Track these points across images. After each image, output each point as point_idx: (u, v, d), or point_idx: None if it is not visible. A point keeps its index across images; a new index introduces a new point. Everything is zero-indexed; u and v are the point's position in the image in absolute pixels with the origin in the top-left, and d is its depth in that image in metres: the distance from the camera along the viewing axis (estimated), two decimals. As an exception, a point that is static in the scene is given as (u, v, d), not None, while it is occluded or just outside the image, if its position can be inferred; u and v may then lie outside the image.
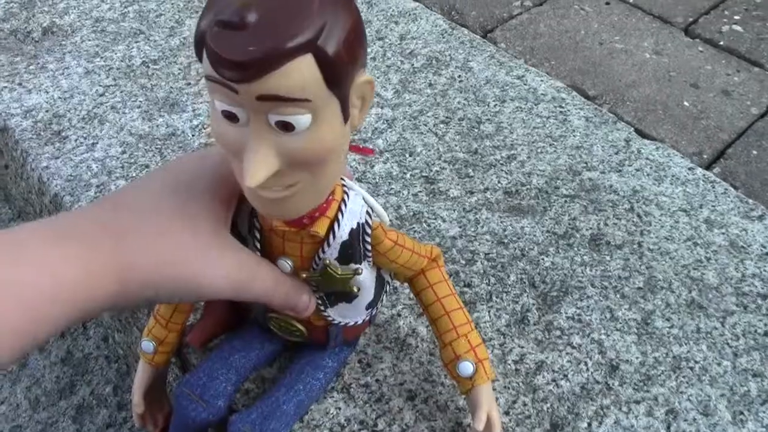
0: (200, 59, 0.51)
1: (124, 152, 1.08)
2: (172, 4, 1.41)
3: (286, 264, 0.66)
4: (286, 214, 0.61)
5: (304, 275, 0.67)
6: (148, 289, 0.57)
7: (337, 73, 0.51)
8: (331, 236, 0.64)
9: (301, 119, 0.51)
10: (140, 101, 1.17)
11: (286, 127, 0.51)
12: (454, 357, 0.73)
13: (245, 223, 0.65)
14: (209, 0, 0.52)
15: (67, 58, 1.26)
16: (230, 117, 0.52)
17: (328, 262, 0.65)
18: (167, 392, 0.87)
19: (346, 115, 0.54)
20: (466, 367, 0.72)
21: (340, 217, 0.64)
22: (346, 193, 0.65)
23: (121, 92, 1.19)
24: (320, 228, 0.63)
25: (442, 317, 0.73)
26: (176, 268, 0.57)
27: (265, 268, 0.64)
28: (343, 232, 0.64)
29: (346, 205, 0.64)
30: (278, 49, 0.48)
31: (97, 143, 1.10)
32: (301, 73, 0.49)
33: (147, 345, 0.79)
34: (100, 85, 1.20)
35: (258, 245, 0.65)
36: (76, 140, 1.10)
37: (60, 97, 1.18)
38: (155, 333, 0.79)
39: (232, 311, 0.81)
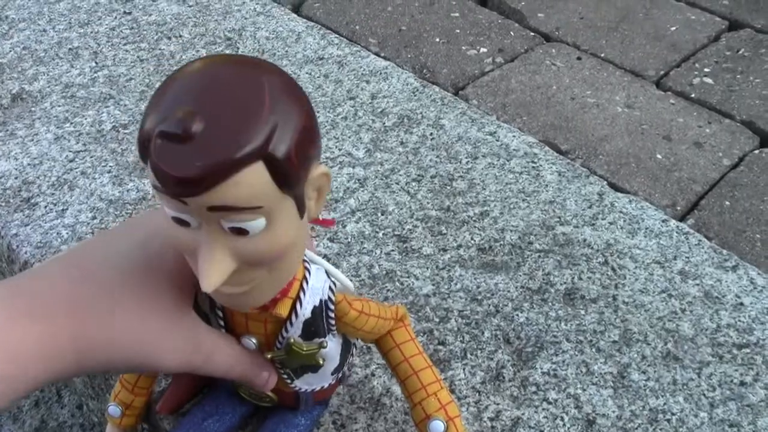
0: (145, 164, 0.50)
1: (94, 218, 1.07)
2: (142, 68, 1.41)
3: (251, 342, 0.65)
4: (245, 306, 0.61)
5: (269, 355, 0.66)
6: (104, 364, 0.57)
7: (290, 176, 0.50)
8: (293, 316, 0.63)
9: (255, 224, 0.50)
10: (110, 166, 1.17)
11: (240, 232, 0.50)
12: (425, 416, 0.72)
13: (206, 300, 0.65)
14: (154, 95, 0.50)
15: (36, 125, 1.26)
16: (181, 222, 0.51)
17: (292, 340, 0.65)
18: None
19: (301, 210, 0.54)
20: (437, 426, 0.71)
21: (302, 295, 0.63)
22: (308, 269, 0.64)
23: (92, 157, 1.18)
24: (282, 310, 0.62)
25: (411, 377, 0.72)
26: (132, 346, 0.57)
27: (224, 347, 0.64)
28: (305, 311, 0.64)
29: (308, 283, 0.63)
30: (226, 161, 0.47)
31: (67, 209, 1.09)
32: (251, 182, 0.48)
33: (114, 410, 0.78)
34: (70, 151, 1.20)
35: (221, 323, 0.65)
36: (45, 207, 1.10)
37: (29, 164, 1.17)
38: (122, 398, 0.78)
39: (201, 376, 0.80)
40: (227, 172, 0.47)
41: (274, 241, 0.52)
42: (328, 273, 0.66)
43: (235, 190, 0.47)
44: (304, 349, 0.66)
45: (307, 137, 0.51)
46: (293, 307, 0.63)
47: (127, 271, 0.59)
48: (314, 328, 0.65)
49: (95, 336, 0.55)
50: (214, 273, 0.51)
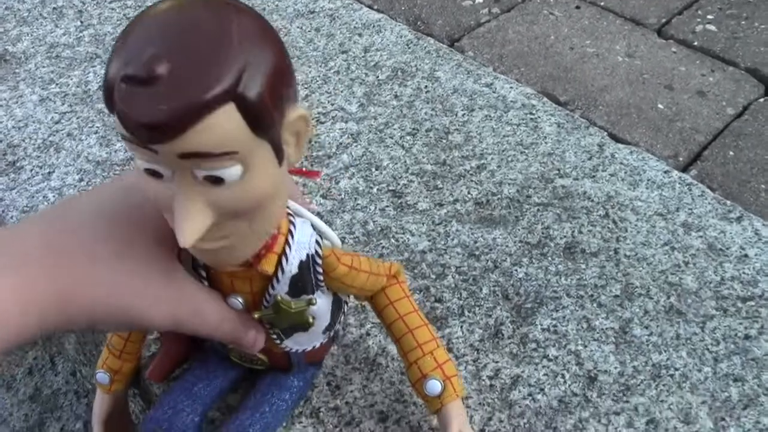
0: (112, 112, 0.47)
1: (81, 180, 1.05)
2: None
3: (237, 302, 0.63)
4: (226, 263, 0.59)
5: (257, 315, 0.64)
6: (87, 318, 0.54)
7: (263, 118, 0.47)
8: (279, 272, 0.61)
9: (230, 171, 0.47)
10: (97, 127, 1.14)
11: (216, 180, 0.48)
12: (421, 376, 0.70)
13: (188, 260, 0.62)
14: (118, 40, 0.47)
15: (21, 86, 1.23)
16: (154, 174, 0.48)
17: (279, 298, 0.62)
18: (129, 416, 0.85)
19: (279, 156, 0.51)
20: (434, 386, 0.69)
21: (287, 250, 0.61)
22: (293, 223, 0.62)
23: (78, 118, 1.16)
24: (268, 266, 0.60)
25: (406, 335, 0.70)
26: (115, 299, 0.55)
27: (210, 303, 0.61)
28: (291, 267, 0.61)
29: (293, 237, 0.61)
30: (194, 103, 0.44)
31: (54, 172, 1.07)
32: (223, 126, 0.45)
33: (102, 377, 0.77)
34: (56, 113, 1.17)
35: (205, 284, 0.62)
36: (31, 170, 1.07)
37: (14, 127, 1.15)
38: (110, 364, 0.76)
39: (190, 341, 0.77)
40: (196, 115, 0.44)
41: (251, 189, 0.49)
42: (313, 226, 0.64)
43: (206, 135, 0.45)
44: (293, 306, 0.63)
45: (280, 77, 0.48)
46: (279, 263, 0.61)
47: (107, 222, 0.56)
48: (302, 284, 0.63)
49: (75, 285, 0.53)
50: (190, 227, 0.48)
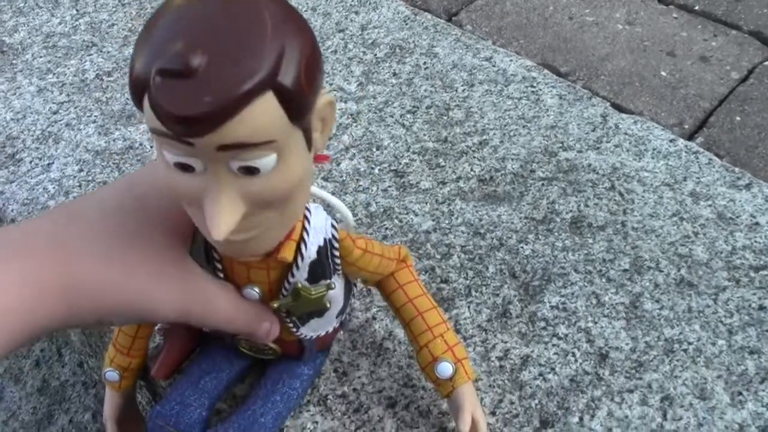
0: (139, 108, 0.46)
1: (81, 170, 1.04)
2: (125, 12, 1.37)
3: (254, 292, 0.62)
4: (252, 253, 0.57)
5: (276, 304, 0.63)
6: (96, 312, 0.54)
7: (301, 105, 0.46)
8: (299, 259, 0.60)
9: (266, 161, 0.46)
10: (95, 116, 1.13)
11: (251, 171, 0.47)
12: (432, 359, 0.69)
13: (201, 253, 0.61)
14: (143, 33, 0.46)
15: (18, 77, 1.22)
16: (185, 168, 0.47)
17: (299, 285, 0.61)
18: (138, 410, 0.84)
19: (309, 143, 0.50)
20: (446, 368, 0.69)
21: (305, 236, 0.60)
22: (307, 208, 0.61)
23: (76, 108, 1.15)
24: (287, 253, 0.59)
25: (415, 318, 0.70)
26: (124, 292, 0.54)
27: (223, 295, 0.60)
28: (310, 252, 0.60)
29: (309, 223, 0.60)
30: (235, 94, 0.43)
31: (53, 163, 1.06)
32: (263, 115, 0.44)
33: (112, 375, 0.76)
34: (54, 103, 1.16)
35: (221, 276, 0.61)
36: (30, 162, 1.06)
37: (12, 119, 1.14)
38: (118, 362, 0.75)
39: (193, 335, 0.76)
40: (238, 106, 0.43)
41: (285, 178, 0.49)
42: (326, 202, 0.63)
43: (246, 125, 0.44)
44: (313, 293, 0.62)
45: (315, 61, 0.47)
46: (298, 250, 0.60)
47: (114, 217, 0.56)
48: (320, 269, 0.62)
49: (83, 277, 0.52)
50: (224, 219, 0.47)
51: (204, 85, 0.42)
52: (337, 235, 0.62)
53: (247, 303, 0.62)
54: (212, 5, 0.45)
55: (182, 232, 0.58)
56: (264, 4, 0.45)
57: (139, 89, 0.45)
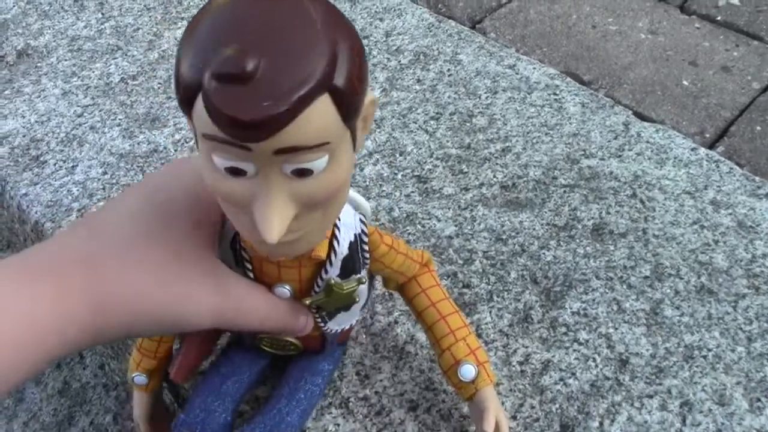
0: (187, 112, 0.46)
1: (105, 173, 1.05)
2: (150, 17, 1.38)
3: (285, 290, 0.62)
4: (295, 253, 0.57)
5: (308, 301, 0.63)
6: (127, 324, 0.53)
7: (353, 105, 0.46)
8: (332, 255, 0.60)
9: (320, 162, 0.47)
10: (120, 119, 1.14)
11: (304, 173, 0.47)
12: (454, 362, 0.70)
13: (229, 254, 0.61)
14: (187, 36, 0.46)
15: (43, 80, 1.23)
16: (235, 172, 0.47)
17: (332, 281, 0.62)
18: (166, 405, 0.86)
19: (355, 142, 0.50)
20: (468, 371, 0.69)
21: (337, 233, 0.60)
22: None
23: (100, 111, 1.16)
24: (322, 251, 0.59)
25: (438, 322, 0.70)
26: (155, 300, 0.53)
27: (256, 296, 0.60)
28: (342, 248, 0.61)
29: (340, 220, 0.61)
30: (294, 98, 0.43)
31: (77, 166, 1.07)
32: (321, 117, 0.44)
33: (140, 378, 0.77)
34: (78, 106, 1.17)
35: (251, 275, 0.61)
36: (55, 164, 1.07)
37: (37, 121, 1.15)
38: (145, 365, 0.76)
39: (211, 337, 0.77)
40: (297, 109, 0.43)
41: (334, 178, 0.49)
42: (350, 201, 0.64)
43: (304, 128, 0.44)
44: (345, 288, 0.63)
45: (363, 61, 0.47)
46: (331, 247, 0.60)
47: (141, 223, 0.55)
48: (351, 264, 0.63)
49: (112, 291, 0.52)
50: (277, 222, 0.47)
51: (263, 88, 0.42)
52: (366, 230, 0.63)
53: (280, 301, 0.62)
54: (258, 4, 0.45)
55: (209, 237, 0.58)
56: (309, 1, 0.45)
57: (189, 93, 0.45)
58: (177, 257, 0.55)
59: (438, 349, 0.71)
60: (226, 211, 0.53)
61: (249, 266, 0.61)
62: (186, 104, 0.45)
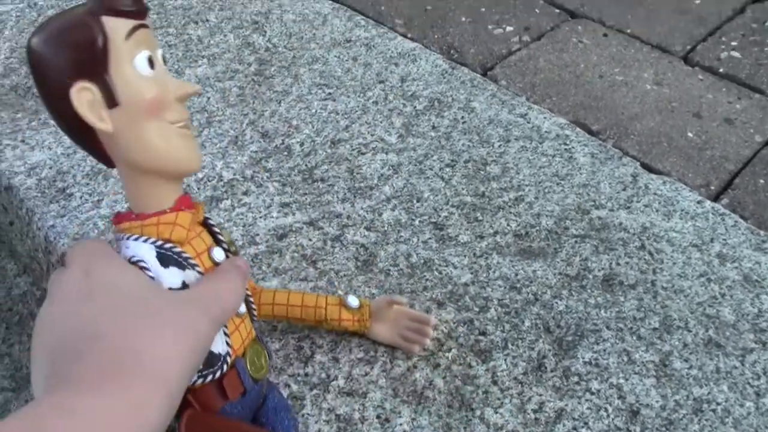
0: (104, 65, 0.57)
1: (130, 208, 1.07)
2: (171, 53, 1.41)
3: (220, 251, 0.65)
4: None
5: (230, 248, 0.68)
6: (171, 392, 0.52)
7: None
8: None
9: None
10: (143, 156, 1.16)
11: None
12: (338, 301, 0.86)
13: (173, 273, 0.62)
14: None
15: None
16: (151, 64, 0.58)
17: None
18: None
19: None
20: (353, 300, 0.86)
21: None
22: None
23: (124, 147, 1.18)
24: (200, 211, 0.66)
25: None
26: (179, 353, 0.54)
27: (216, 279, 0.63)
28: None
29: None
30: None
31: (103, 200, 1.09)
32: None
33: None
34: (103, 141, 1.20)
35: (194, 262, 0.63)
36: (81, 197, 1.10)
37: (63, 153, 1.17)
38: None
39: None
40: None
41: None
42: None
43: None
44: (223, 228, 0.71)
45: None
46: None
47: (129, 297, 0.56)
48: None
49: (156, 355, 0.51)
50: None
51: None
52: None
53: (225, 263, 0.65)
54: None
55: (151, 282, 0.60)
56: None
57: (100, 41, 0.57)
58: (162, 305, 0.56)
59: (310, 311, 0.84)
60: (163, 151, 0.60)
61: (187, 255, 0.62)
62: (102, 52, 0.56)
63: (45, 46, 0.56)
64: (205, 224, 0.66)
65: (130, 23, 0.57)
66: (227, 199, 1.08)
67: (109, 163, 0.62)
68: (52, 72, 0.56)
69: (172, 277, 0.61)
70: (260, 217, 1.06)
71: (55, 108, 0.58)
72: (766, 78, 1.77)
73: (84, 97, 0.56)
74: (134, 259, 0.59)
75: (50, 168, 1.15)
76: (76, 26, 0.56)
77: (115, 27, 0.56)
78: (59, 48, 0.56)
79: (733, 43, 1.91)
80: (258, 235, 1.03)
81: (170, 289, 0.60)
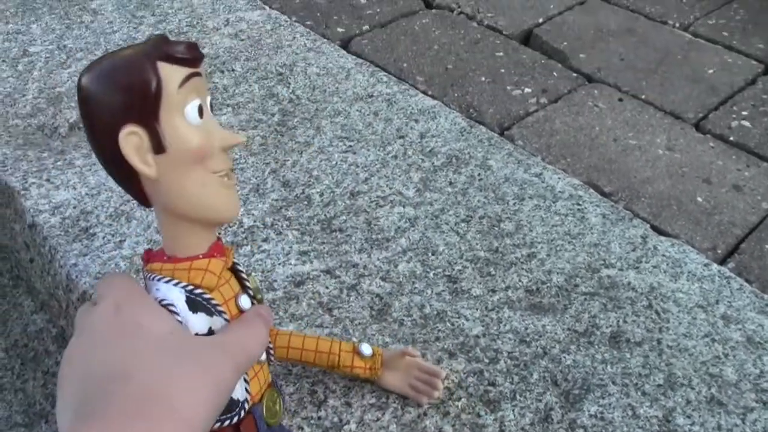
0: (156, 107, 0.57)
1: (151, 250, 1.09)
2: (197, 103, 1.44)
3: (247, 298, 0.66)
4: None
5: (257, 295, 0.68)
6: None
7: None
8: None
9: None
10: (168, 200, 1.19)
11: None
12: (352, 348, 0.88)
13: (201, 318, 0.63)
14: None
15: (93, 155, 1.28)
16: (201, 112, 0.59)
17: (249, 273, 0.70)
18: None
19: None
20: (366, 348, 0.88)
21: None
22: None
23: (149, 191, 1.21)
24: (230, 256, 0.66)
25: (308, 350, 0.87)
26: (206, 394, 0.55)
27: (240, 326, 0.63)
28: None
29: None
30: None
31: (125, 241, 1.12)
32: None
33: None
34: (128, 184, 1.22)
35: (221, 309, 0.63)
36: (103, 237, 1.12)
37: (87, 194, 1.20)
38: None
39: None
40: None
41: None
42: None
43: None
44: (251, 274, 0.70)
45: None
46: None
47: (161, 340, 0.57)
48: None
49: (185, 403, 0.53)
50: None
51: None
52: None
53: (250, 311, 0.65)
54: None
55: (179, 326, 0.60)
56: None
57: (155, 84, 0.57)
58: (195, 345, 0.58)
59: (324, 356, 0.86)
60: (205, 200, 0.61)
61: (215, 302, 0.62)
62: (155, 97, 0.56)
63: (97, 84, 0.56)
64: (233, 269, 0.66)
65: (185, 71, 0.57)
66: (247, 245, 1.11)
67: (146, 203, 0.62)
68: (101, 112, 0.56)
69: (200, 322, 0.61)
70: (279, 264, 1.08)
71: (100, 146, 0.58)
72: (775, 147, 1.80)
73: (132, 141, 0.56)
74: (164, 302, 0.59)
75: (74, 207, 1.18)
76: (132, 69, 0.56)
77: (170, 74, 0.56)
78: (112, 89, 0.56)
79: (744, 113, 1.94)
80: (276, 281, 1.06)
81: (197, 334, 0.61)
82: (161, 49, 0.57)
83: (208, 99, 0.61)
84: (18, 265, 1.33)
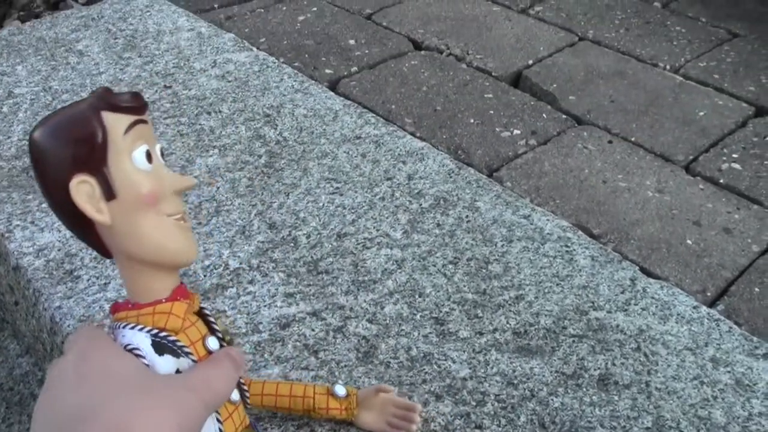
0: (103, 157, 0.58)
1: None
2: (183, 142, 1.44)
3: (215, 340, 0.66)
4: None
5: (226, 337, 0.68)
6: None
7: None
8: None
9: None
10: (153, 242, 1.18)
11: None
12: (326, 390, 0.88)
13: (167, 360, 0.63)
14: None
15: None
16: (149, 158, 0.60)
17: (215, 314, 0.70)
18: None
19: None
20: (340, 389, 0.88)
21: None
22: None
23: (135, 233, 1.20)
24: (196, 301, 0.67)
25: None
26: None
27: (209, 366, 0.63)
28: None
29: None
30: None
31: (109, 283, 1.11)
32: None
33: None
34: (114, 226, 1.22)
35: (188, 350, 0.63)
36: (88, 280, 1.12)
37: (72, 236, 1.17)
38: None
39: None
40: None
41: None
42: None
43: None
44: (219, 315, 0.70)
45: None
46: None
47: (124, 381, 0.57)
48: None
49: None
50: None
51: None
52: None
53: (220, 352, 0.65)
54: None
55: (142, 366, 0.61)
56: None
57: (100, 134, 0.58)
58: (152, 394, 0.57)
59: (299, 401, 0.87)
60: (159, 246, 0.61)
61: (181, 344, 0.63)
62: (101, 146, 0.58)
63: (47, 139, 0.58)
64: (201, 314, 0.67)
65: (130, 118, 0.59)
66: (233, 287, 1.11)
67: (107, 254, 0.63)
68: (52, 165, 0.58)
69: (167, 364, 0.61)
70: (264, 306, 1.08)
71: (54, 199, 0.59)
72: (764, 190, 1.81)
73: (83, 189, 0.57)
74: (130, 347, 0.60)
75: (59, 250, 1.17)
76: (77, 121, 0.58)
77: (115, 122, 0.58)
78: (60, 142, 0.58)
79: (734, 155, 1.95)
80: (261, 323, 1.05)
81: None
82: (105, 99, 0.59)
83: (158, 146, 0.62)
84: (3, 307, 1.32)
